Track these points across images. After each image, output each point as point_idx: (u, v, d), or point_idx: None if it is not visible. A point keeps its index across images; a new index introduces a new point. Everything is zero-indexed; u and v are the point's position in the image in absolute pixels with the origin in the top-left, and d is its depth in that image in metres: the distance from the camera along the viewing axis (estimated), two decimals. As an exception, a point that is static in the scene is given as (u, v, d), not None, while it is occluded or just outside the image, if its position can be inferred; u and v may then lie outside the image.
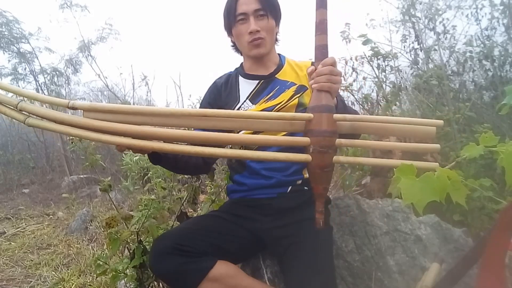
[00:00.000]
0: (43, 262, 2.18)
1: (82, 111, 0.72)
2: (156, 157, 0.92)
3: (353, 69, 3.17)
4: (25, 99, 0.74)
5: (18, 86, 4.87)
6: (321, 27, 0.80)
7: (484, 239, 0.67)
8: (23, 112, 0.72)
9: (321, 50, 0.80)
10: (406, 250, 1.11)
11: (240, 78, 1.12)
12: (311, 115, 0.77)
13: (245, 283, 0.96)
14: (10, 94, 0.77)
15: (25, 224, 2.99)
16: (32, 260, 2.23)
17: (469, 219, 1.49)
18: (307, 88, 1.04)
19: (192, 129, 0.85)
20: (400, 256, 1.10)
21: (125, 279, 1.21)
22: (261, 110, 1.04)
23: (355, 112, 0.98)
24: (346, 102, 1.22)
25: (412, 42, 3.05)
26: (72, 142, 1.34)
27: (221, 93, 1.13)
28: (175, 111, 0.76)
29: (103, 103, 0.73)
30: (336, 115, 0.76)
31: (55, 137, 4.91)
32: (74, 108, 0.71)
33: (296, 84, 1.06)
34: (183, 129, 0.81)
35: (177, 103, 4.78)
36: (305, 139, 0.77)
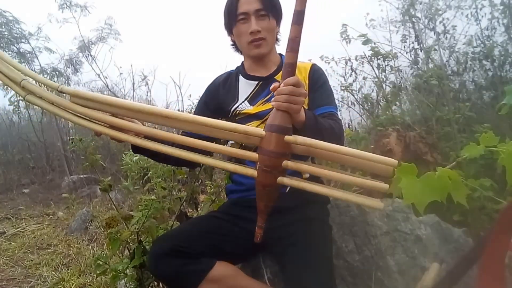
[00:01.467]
0: (43, 262, 2.17)
1: (69, 96, 0.80)
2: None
3: (353, 69, 3.17)
4: (28, 78, 0.83)
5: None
6: (292, 45, 0.77)
7: (484, 239, 0.67)
8: (25, 89, 0.80)
9: (287, 68, 0.78)
10: (406, 250, 1.11)
11: (241, 78, 1.12)
12: (263, 132, 0.76)
13: (245, 283, 0.96)
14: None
15: (25, 224, 2.99)
16: (32, 260, 2.22)
17: (469, 219, 1.49)
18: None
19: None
20: (400, 256, 1.10)
21: (125, 279, 1.21)
22: (258, 112, 1.04)
23: (332, 128, 0.92)
24: (341, 105, 1.22)
25: (412, 42, 3.05)
26: (72, 142, 1.34)
27: (219, 92, 1.13)
28: (143, 107, 0.79)
29: (85, 91, 0.80)
30: (287, 137, 0.74)
31: (55, 137, 4.91)
32: (62, 92, 0.78)
33: None
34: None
35: (177, 102, 4.79)
36: (253, 155, 0.77)
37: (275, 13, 1.04)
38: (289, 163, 0.76)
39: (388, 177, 0.73)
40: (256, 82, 1.09)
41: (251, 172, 0.78)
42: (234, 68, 1.19)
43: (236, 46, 1.13)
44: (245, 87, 1.09)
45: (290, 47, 0.77)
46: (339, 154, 0.73)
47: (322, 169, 0.78)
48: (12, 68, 0.82)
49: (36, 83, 0.83)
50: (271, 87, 0.80)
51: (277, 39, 1.11)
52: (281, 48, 1.15)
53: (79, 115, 0.81)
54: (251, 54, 1.07)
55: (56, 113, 0.81)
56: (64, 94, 0.81)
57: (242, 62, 1.16)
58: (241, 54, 1.15)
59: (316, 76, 1.08)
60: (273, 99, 0.78)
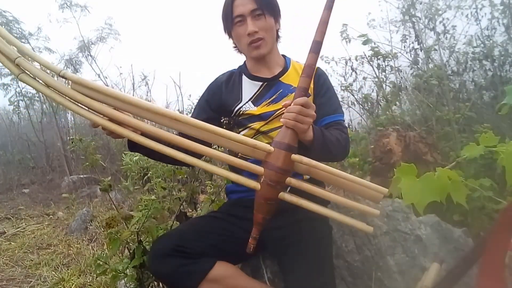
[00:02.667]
0: (43, 262, 2.17)
1: (70, 82, 0.77)
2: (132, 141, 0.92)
3: (353, 69, 3.17)
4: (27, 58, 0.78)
5: (19, 86, 4.86)
6: (307, 71, 0.84)
7: (484, 239, 0.67)
8: (19, 67, 0.75)
9: (301, 92, 0.83)
10: (406, 250, 1.11)
11: (244, 78, 1.11)
12: (271, 148, 0.79)
13: (244, 283, 0.96)
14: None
15: (25, 224, 2.98)
16: (32, 260, 2.22)
17: (469, 219, 1.49)
18: (310, 95, 1.03)
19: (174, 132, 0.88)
20: (400, 256, 1.10)
21: (125, 279, 1.21)
22: (262, 113, 1.04)
23: (338, 141, 0.94)
24: (343, 110, 1.22)
25: (412, 42, 3.05)
26: (72, 142, 1.34)
27: (222, 91, 1.12)
28: (148, 105, 0.77)
29: (89, 80, 0.76)
30: (294, 156, 0.78)
31: (55, 137, 4.91)
32: (64, 77, 0.75)
33: None
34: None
35: (177, 102, 4.78)
36: (259, 168, 0.80)
37: (272, 10, 1.03)
38: (292, 180, 0.79)
39: (377, 203, 0.79)
40: (261, 83, 1.08)
41: (254, 184, 0.81)
42: (234, 68, 1.18)
43: (238, 49, 1.13)
44: (249, 88, 1.09)
45: (306, 73, 0.84)
46: (335, 176, 0.78)
47: (318, 188, 0.81)
48: (7, 44, 0.76)
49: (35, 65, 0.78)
50: (283, 103, 0.85)
51: (278, 37, 1.11)
52: (282, 47, 1.14)
53: (77, 103, 0.77)
54: (251, 55, 1.06)
55: (52, 97, 0.77)
56: (65, 80, 0.77)
57: (245, 61, 1.16)
58: (243, 54, 1.14)
59: (321, 80, 1.09)
60: (282, 116, 0.82)
